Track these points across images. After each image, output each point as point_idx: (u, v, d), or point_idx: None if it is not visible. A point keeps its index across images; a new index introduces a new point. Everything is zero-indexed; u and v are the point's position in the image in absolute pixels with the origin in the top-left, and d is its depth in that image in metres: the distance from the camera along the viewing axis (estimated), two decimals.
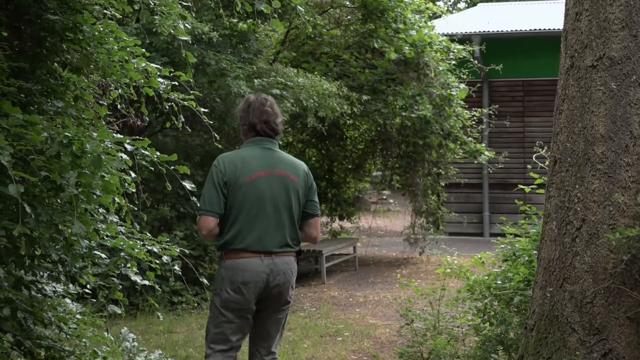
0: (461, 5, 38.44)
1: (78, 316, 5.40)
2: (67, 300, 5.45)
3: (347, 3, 13.40)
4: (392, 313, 9.48)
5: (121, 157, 4.37)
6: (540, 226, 5.82)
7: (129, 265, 5.22)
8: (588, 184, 4.92)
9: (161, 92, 5.40)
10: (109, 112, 5.67)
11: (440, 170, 14.45)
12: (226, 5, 9.43)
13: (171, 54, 9.50)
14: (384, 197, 21.67)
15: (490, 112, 15.40)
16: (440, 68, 13.35)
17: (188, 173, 4.95)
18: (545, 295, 5.09)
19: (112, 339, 5.71)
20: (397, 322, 8.33)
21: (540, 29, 17.03)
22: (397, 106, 12.77)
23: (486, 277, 6.45)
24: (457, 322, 6.79)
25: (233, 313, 4.72)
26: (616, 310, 4.79)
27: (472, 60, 14.18)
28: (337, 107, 11.19)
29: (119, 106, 5.66)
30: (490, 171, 15.80)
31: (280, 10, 8.68)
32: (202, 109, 5.54)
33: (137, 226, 5.28)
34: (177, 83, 5.60)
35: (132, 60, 5.20)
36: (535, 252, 5.96)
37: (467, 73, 14.08)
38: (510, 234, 6.79)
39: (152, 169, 4.87)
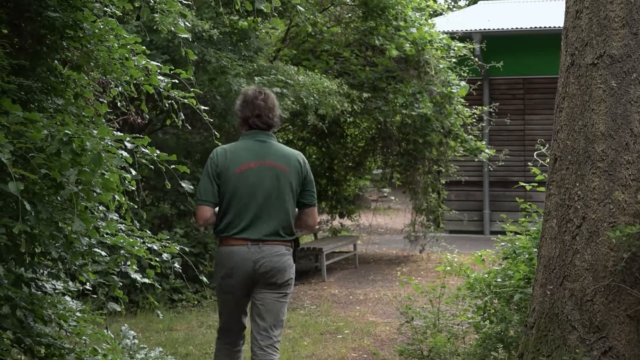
0: (462, 2, 38.40)
1: (78, 314, 5.41)
2: (67, 298, 5.45)
3: (348, 1, 13.40)
4: (392, 311, 9.48)
5: (121, 154, 4.38)
6: (540, 224, 5.82)
7: (129, 262, 5.23)
8: (588, 181, 4.92)
9: (161, 89, 5.39)
10: (109, 110, 5.67)
11: (441, 168, 14.44)
12: (226, 3, 9.42)
13: (171, 51, 9.50)
14: (385, 194, 21.65)
15: (491, 109, 15.38)
16: (441, 66, 13.34)
17: (188, 172, 4.96)
18: (545, 293, 5.09)
19: (112, 336, 5.71)
20: (397, 319, 8.33)
21: (540, 27, 17.02)
22: (398, 104, 12.76)
23: (486, 275, 6.45)
24: (457, 319, 6.79)
25: (227, 295, 5.05)
26: (616, 308, 4.79)
27: (472, 58, 14.16)
28: (337, 105, 11.19)
29: (119, 104, 5.65)
30: (491, 169, 15.81)
31: (280, 8, 8.67)
32: (203, 107, 5.54)
33: (137, 224, 5.28)
34: (177, 81, 5.60)
35: (133, 58, 5.20)
36: (535, 249, 5.96)
37: (467, 71, 14.07)
38: (511, 232, 6.79)
39: (152, 167, 4.88)
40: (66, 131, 3.93)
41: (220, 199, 4.96)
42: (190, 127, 6.41)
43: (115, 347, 5.58)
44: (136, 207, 5.27)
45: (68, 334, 5.29)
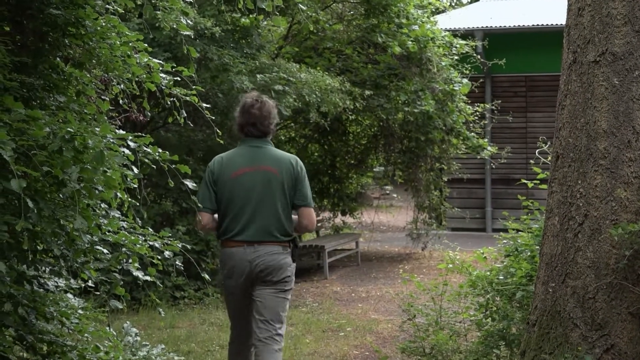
0: (464, 0, 38.35)
1: (80, 311, 5.42)
2: (69, 295, 5.46)
3: None
4: (394, 308, 9.48)
5: (123, 152, 4.37)
6: (542, 221, 5.82)
7: (130, 260, 5.23)
8: (590, 179, 4.91)
9: (163, 87, 5.39)
10: (111, 107, 5.66)
11: (443, 165, 14.45)
12: (228, 1, 9.42)
13: (174, 49, 9.49)
14: (387, 192, 21.65)
15: (493, 107, 15.38)
16: (443, 63, 13.34)
17: (189, 173, 4.98)
18: (547, 291, 5.09)
19: (114, 333, 5.72)
20: (399, 317, 8.33)
21: (542, 25, 17.00)
22: (400, 101, 12.77)
23: (488, 273, 6.45)
24: (459, 317, 6.79)
25: (230, 296, 5.32)
26: (618, 305, 4.79)
27: (474, 55, 14.15)
28: (339, 103, 11.19)
29: (121, 101, 5.65)
30: (493, 166, 15.81)
31: (282, 6, 8.66)
32: (205, 104, 5.54)
33: (139, 221, 5.29)
34: (179, 78, 5.59)
35: (135, 55, 5.19)
36: (537, 247, 5.96)
37: (469, 68, 14.06)
38: (513, 230, 6.78)
39: (154, 166, 4.88)
40: (68, 129, 3.93)
41: (219, 205, 5.23)
42: (192, 125, 6.41)
43: (117, 344, 5.59)
44: (138, 204, 5.27)
45: (70, 331, 5.30)
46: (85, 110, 5.05)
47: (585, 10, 5.05)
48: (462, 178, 15.42)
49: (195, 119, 8.84)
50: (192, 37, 7.98)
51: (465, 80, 13.60)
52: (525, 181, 7.00)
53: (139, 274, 5.25)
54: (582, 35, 5.06)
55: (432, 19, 13.75)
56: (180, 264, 5.40)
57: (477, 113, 14.16)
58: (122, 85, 5.42)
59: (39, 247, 4.65)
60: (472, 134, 14.05)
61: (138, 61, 5.19)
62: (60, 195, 4.36)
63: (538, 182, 6.60)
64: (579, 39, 5.09)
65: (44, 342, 4.98)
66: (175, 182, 5.19)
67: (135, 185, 4.79)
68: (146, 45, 5.33)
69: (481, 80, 15.88)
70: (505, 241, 6.79)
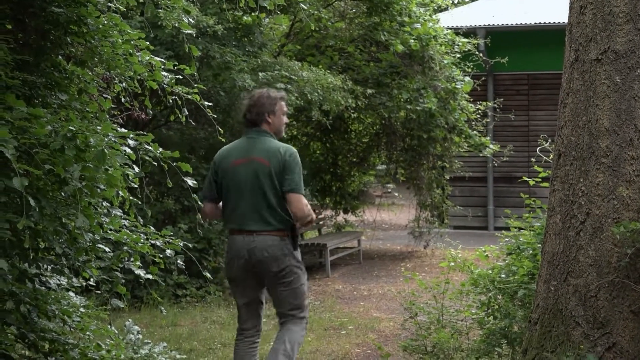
0: None
1: (82, 309, 5.43)
2: (71, 294, 5.47)
3: None
4: (396, 306, 9.48)
5: (125, 151, 4.38)
6: (544, 220, 5.81)
7: (132, 259, 5.24)
8: (592, 177, 4.91)
9: (165, 85, 5.40)
10: (113, 106, 5.67)
11: (445, 163, 14.43)
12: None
13: (176, 47, 9.49)
14: (389, 190, 21.64)
15: (495, 105, 15.38)
16: (445, 61, 13.31)
17: (190, 171, 5.00)
18: (549, 289, 5.09)
19: (116, 332, 5.72)
20: (401, 315, 8.33)
21: (545, 23, 16.98)
22: (402, 99, 12.75)
23: (490, 271, 6.45)
24: (461, 315, 6.78)
25: (231, 282, 5.44)
26: (620, 304, 4.79)
27: (477, 53, 14.13)
28: (341, 101, 11.18)
29: (123, 99, 5.66)
30: (495, 164, 15.78)
31: (284, 4, 8.65)
32: (206, 103, 5.55)
33: (141, 220, 5.29)
34: (181, 76, 5.60)
35: (137, 54, 5.20)
36: (539, 245, 5.96)
37: (472, 66, 14.05)
38: (515, 228, 6.78)
39: (155, 164, 4.88)
40: (70, 127, 3.94)
41: (220, 194, 5.37)
42: (194, 123, 6.42)
43: (119, 342, 5.60)
44: (140, 203, 5.28)
45: (72, 329, 5.31)
46: (87, 109, 5.06)
47: (588, 9, 5.05)
48: (464, 176, 15.41)
49: (197, 117, 8.84)
50: (194, 35, 7.98)
51: (467, 78, 13.58)
52: (527, 179, 6.99)
53: (140, 272, 5.26)
54: (584, 34, 5.06)
55: (434, 17, 13.72)
56: (181, 263, 5.41)
57: (479, 111, 14.14)
58: (124, 84, 5.43)
59: (40, 245, 4.65)
60: (474, 132, 14.03)
61: (140, 59, 5.20)
62: (62, 194, 4.36)
63: (540, 180, 6.60)
64: (581, 37, 5.09)
65: (45, 340, 4.99)
66: (176, 180, 5.21)
67: (137, 185, 4.80)
68: (148, 43, 5.33)
69: (483, 78, 15.85)
70: (507, 239, 6.79)
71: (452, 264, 6.84)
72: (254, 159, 5.21)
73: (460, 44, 13.75)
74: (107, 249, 4.99)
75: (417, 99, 12.76)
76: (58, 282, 5.23)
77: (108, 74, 5.40)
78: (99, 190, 4.36)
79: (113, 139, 4.26)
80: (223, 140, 6.18)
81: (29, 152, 3.83)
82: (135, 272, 5.24)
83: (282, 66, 10.48)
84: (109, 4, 5.27)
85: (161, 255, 5.25)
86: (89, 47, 5.08)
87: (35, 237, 4.36)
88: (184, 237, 9.51)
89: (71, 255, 4.77)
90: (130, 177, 4.63)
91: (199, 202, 5.37)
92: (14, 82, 4.33)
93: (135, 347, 5.85)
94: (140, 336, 6.06)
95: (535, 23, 17.11)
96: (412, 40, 12.63)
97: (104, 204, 4.95)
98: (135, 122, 9.12)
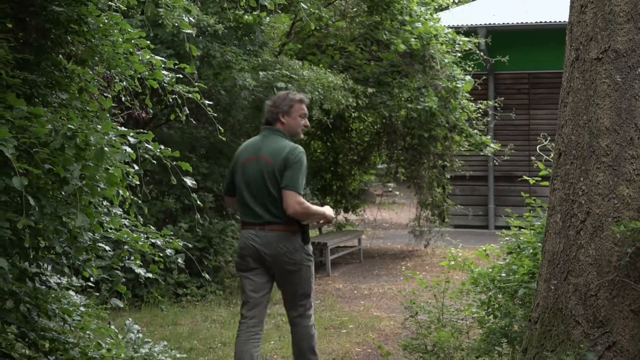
0: None
1: (82, 308, 5.42)
2: (71, 293, 5.46)
3: None
4: (396, 305, 9.48)
5: (125, 149, 4.38)
6: (544, 219, 5.81)
7: (132, 258, 5.24)
8: (593, 176, 4.91)
9: (166, 84, 5.40)
10: (113, 104, 5.67)
11: (446, 162, 14.43)
12: None
13: (176, 46, 9.49)
14: (389, 189, 21.65)
15: (496, 104, 15.37)
16: (446, 60, 13.31)
17: (190, 170, 5.01)
18: (549, 288, 5.09)
19: (116, 330, 5.72)
20: (401, 314, 8.33)
21: (545, 22, 16.98)
22: (403, 98, 12.75)
23: (490, 270, 6.44)
24: (461, 314, 6.78)
25: (240, 273, 5.56)
26: (620, 303, 4.78)
27: (477, 52, 14.14)
28: (342, 100, 11.18)
29: (123, 98, 5.66)
30: (496, 163, 15.78)
31: (285, 3, 8.65)
32: (207, 102, 5.55)
33: (141, 219, 5.29)
34: (181, 75, 5.60)
35: (137, 53, 5.20)
36: (539, 244, 5.95)
37: (472, 65, 14.05)
38: (515, 227, 6.78)
39: (155, 162, 4.88)
40: (70, 126, 3.93)
41: (234, 188, 5.59)
42: (195, 122, 6.43)
43: (119, 341, 5.60)
44: (140, 202, 5.28)
45: (72, 328, 5.31)
46: (87, 108, 5.06)
47: (588, 8, 5.05)
48: (465, 175, 15.40)
49: (197, 116, 8.84)
50: (195, 34, 7.98)
51: (468, 78, 13.58)
52: (528, 178, 6.99)
53: (140, 271, 5.26)
54: (585, 33, 5.05)
55: (435, 16, 13.72)
56: (181, 262, 5.42)
57: (480, 110, 14.14)
58: (124, 83, 5.43)
59: (40, 244, 4.65)
60: (475, 131, 14.02)
61: (140, 58, 5.20)
62: (62, 193, 4.36)
63: (540, 178, 6.59)
64: (581, 36, 5.08)
65: (46, 339, 4.99)
66: (178, 178, 5.21)
67: (137, 183, 4.80)
68: (148, 42, 5.33)
69: (484, 77, 15.86)
70: (507, 238, 6.79)
71: (453, 263, 6.84)
72: (261, 157, 5.38)
73: (461, 43, 13.75)
74: (107, 248, 4.99)
75: (417, 98, 12.76)
76: (58, 281, 5.23)
77: (108, 72, 5.40)
78: (99, 189, 4.36)
79: (113, 138, 4.26)
80: (224, 139, 6.20)
81: (29, 151, 3.83)
82: (136, 271, 5.24)
83: (282, 65, 10.48)
84: (110, 2, 5.27)
85: (161, 254, 5.26)
86: (90, 46, 5.08)
87: (35, 236, 4.36)
88: (184, 236, 9.52)
89: (71, 254, 4.77)
90: (130, 176, 4.64)
91: (199, 202, 5.54)
92: (15, 81, 4.33)
93: (135, 346, 5.85)
94: (141, 335, 6.06)
95: (536, 22, 17.10)
96: (413, 39, 12.63)
97: (104, 203, 4.95)
98: (136, 121, 9.12)
